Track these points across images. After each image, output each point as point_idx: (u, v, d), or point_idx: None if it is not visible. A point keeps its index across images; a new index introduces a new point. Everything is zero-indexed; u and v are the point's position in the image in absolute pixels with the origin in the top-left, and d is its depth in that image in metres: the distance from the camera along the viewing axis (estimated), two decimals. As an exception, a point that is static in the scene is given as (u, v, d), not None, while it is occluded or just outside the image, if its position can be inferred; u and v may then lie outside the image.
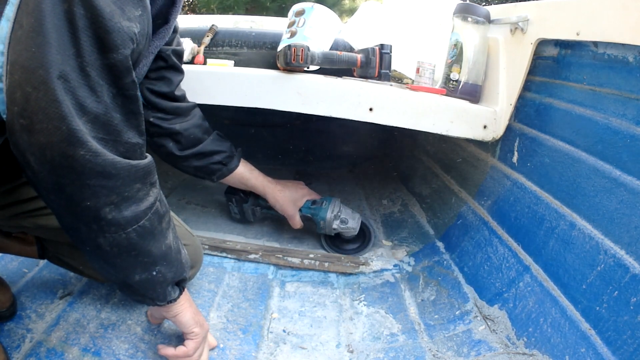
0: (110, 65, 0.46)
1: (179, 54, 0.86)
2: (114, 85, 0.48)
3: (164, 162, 0.96)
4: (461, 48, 1.01)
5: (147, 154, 0.55)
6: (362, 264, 1.06)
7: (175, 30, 0.83)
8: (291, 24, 1.15)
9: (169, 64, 0.84)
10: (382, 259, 1.08)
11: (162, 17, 0.68)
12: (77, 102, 0.45)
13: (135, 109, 0.51)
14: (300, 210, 1.11)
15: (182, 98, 0.91)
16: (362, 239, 1.15)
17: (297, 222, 1.11)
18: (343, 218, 1.08)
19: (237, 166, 1.01)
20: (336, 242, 1.15)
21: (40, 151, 0.44)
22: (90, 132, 0.46)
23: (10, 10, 0.44)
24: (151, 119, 0.87)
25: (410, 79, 1.24)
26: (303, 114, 0.96)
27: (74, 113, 0.44)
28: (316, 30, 1.12)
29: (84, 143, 0.45)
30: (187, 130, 0.91)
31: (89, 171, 0.46)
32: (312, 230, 1.21)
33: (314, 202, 1.11)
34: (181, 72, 0.89)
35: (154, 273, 0.58)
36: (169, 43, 0.82)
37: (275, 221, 1.26)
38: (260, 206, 1.17)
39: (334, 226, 1.08)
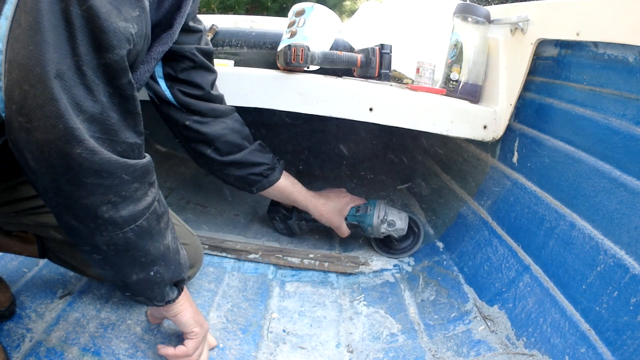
0: (105, 65, 0.46)
1: (207, 53, 0.84)
2: (110, 85, 0.48)
3: (163, 163, 0.96)
4: (461, 48, 1.01)
5: (146, 154, 0.55)
6: (362, 264, 1.06)
7: (200, 30, 0.82)
8: (291, 24, 1.15)
9: (197, 64, 0.81)
10: (382, 259, 1.08)
11: (166, 22, 0.67)
12: (73, 100, 0.45)
13: (132, 109, 0.51)
14: (345, 218, 1.09)
15: (220, 100, 0.89)
16: (413, 236, 1.11)
17: (344, 231, 1.09)
18: (390, 220, 1.05)
19: (278, 179, 0.98)
20: (387, 242, 1.12)
21: (38, 149, 0.44)
22: (87, 130, 0.46)
23: (8, 8, 0.44)
24: (187, 123, 0.84)
25: (410, 79, 1.24)
26: (303, 114, 0.96)
27: (70, 111, 0.44)
28: (316, 30, 1.12)
29: (80, 141, 0.45)
30: (226, 136, 0.89)
31: (86, 169, 0.46)
32: (312, 229, 1.21)
33: (358, 208, 1.09)
34: (213, 71, 0.86)
35: (152, 273, 0.58)
36: (192, 43, 0.80)
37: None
38: (305, 220, 1.14)
39: (382, 230, 1.05)
